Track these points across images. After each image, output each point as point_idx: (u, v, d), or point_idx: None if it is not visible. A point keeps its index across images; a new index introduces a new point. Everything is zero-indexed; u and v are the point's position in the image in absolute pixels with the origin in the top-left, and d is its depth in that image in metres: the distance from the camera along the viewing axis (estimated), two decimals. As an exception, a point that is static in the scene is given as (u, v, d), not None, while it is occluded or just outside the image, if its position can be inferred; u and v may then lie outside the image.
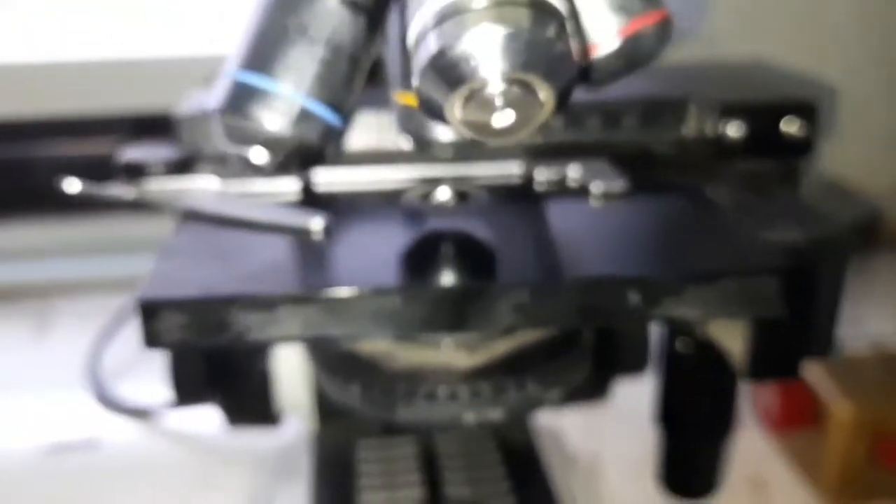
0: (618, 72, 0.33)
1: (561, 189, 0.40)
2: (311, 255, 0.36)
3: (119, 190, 0.41)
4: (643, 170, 0.41)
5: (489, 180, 0.41)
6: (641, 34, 0.32)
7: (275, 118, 0.31)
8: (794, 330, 0.36)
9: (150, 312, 0.32)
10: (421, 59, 0.26)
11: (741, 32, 0.79)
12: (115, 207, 0.42)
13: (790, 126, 0.42)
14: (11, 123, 0.80)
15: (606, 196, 0.39)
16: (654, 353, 0.50)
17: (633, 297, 0.32)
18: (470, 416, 0.39)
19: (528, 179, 0.41)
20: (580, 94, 0.37)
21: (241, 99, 0.32)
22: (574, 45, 0.26)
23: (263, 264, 0.34)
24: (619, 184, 0.39)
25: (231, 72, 0.32)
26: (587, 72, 0.32)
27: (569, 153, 0.42)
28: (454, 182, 0.40)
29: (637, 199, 0.39)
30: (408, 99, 0.34)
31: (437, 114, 0.27)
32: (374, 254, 0.35)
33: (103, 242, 0.83)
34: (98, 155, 0.44)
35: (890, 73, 0.83)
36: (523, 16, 0.25)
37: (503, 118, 0.26)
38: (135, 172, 0.41)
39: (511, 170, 0.42)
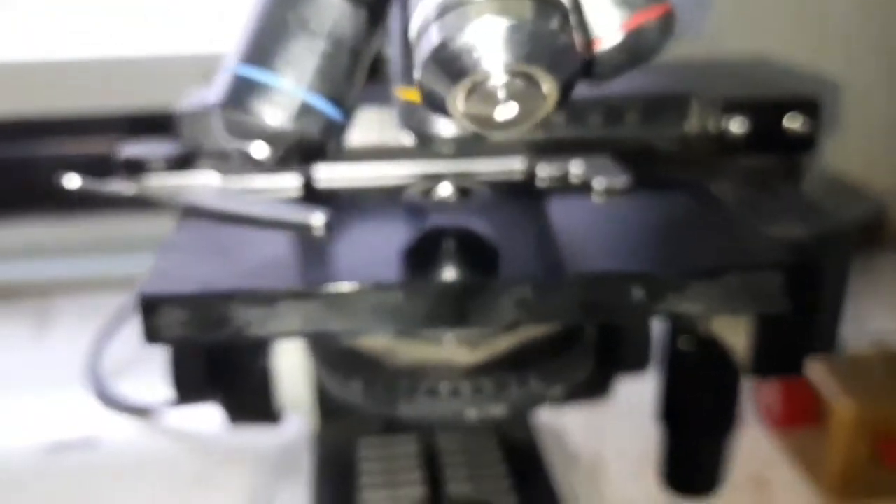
0: (621, 66, 0.32)
1: (563, 185, 0.40)
2: (312, 250, 0.36)
3: (119, 186, 0.41)
4: (645, 166, 0.41)
5: (491, 176, 0.41)
6: (644, 28, 0.31)
7: (275, 112, 0.31)
8: (798, 326, 0.35)
9: (151, 308, 0.31)
10: (423, 51, 0.26)
11: (742, 29, 0.79)
12: (115, 205, 0.42)
13: (793, 122, 0.42)
14: (11, 122, 0.80)
15: (609, 192, 0.39)
16: (656, 351, 0.50)
17: (637, 293, 0.32)
18: (472, 413, 0.38)
19: (531, 175, 0.41)
20: (582, 90, 0.37)
21: (242, 93, 0.32)
22: (577, 38, 0.26)
23: (264, 260, 0.34)
24: (621, 180, 0.39)
25: (231, 66, 0.32)
26: (590, 66, 0.32)
27: (571, 149, 0.42)
28: (456, 178, 0.40)
29: (640, 195, 0.39)
30: (409, 94, 0.34)
31: (440, 107, 0.27)
32: (376, 250, 0.35)
33: (103, 241, 0.83)
34: (98, 153, 0.43)
35: (891, 67, 0.83)
36: (526, 7, 0.25)
37: (506, 111, 0.26)
38: (135, 168, 0.41)
39: (513, 166, 0.42)
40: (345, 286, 0.32)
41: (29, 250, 0.84)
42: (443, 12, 0.25)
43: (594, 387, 0.52)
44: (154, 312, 0.31)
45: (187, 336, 0.32)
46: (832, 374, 0.55)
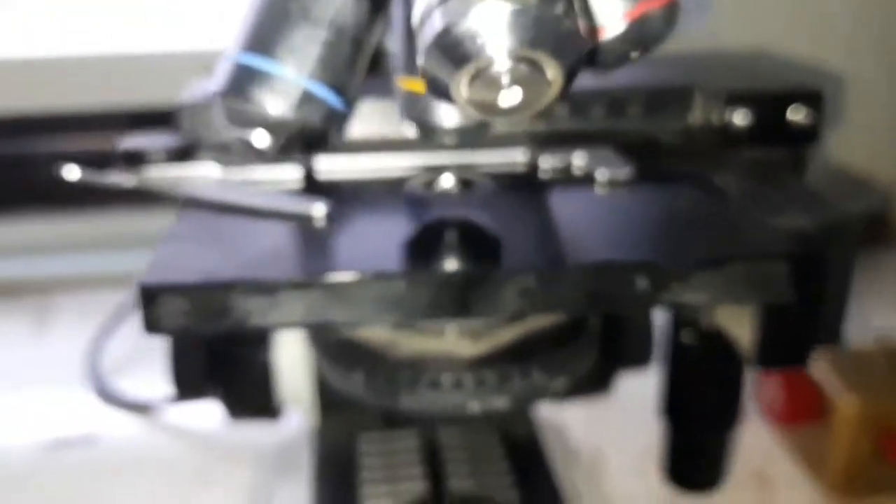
0: (625, 55, 0.32)
1: (566, 177, 0.40)
2: (314, 241, 0.35)
3: (119, 177, 0.41)
4: (649, 159, 0.40)
5: (494, 168, 0.41)
6: (648, 17, 0.31)
7: (277, 101, 0.31)
8: (803, 318, 0.35)
9: (151, 297, 0.31)
10: (426, 37, 0.26)
11: (743, 23, 0.78)
12: (115, 200, 0.42)
13: (796, 114, 0.42)
14: (11, 119, 0.80)
15: (612, 183, 0.39)
16: (659, 346, 0.50)
17: (641, 283, 0.31)
18: (475, 405, 0.38)
19: (533, 167, 0.41)
20: (586, 82, 0.37)
21: (243, 81, 0.31)
22: (582, 24, 0.26)
23: (265, 250, 0.34)
24: (624, 171, 0.39)
25: (233, 54, 0.32)
26: (593, 55, 0.32)
27: (573, 142, 0.41)
28: (458, 170, 0.40)
29: (643, 186, 0.39)
30: (411, 84, 0.34)
31: (443, 93, 0.27)
32: (377, 241, 0.35)
33: (103, 238, 0.83)
34: (98, 150, 0.43)
35: (892, 60, 0.83)
36: None
37: (510, 97, 0.26)
38: (135, 160, 0.41)
39: (516, 158, 0.42)
40: (346, 276, 0.32)
41: (28, 247, 0.84)
42: (446, -3, 0.25)
43: (596, 382, 0.52)
44: (154, 302, 0.31)
45: (188, 326, 0.31)
46: (835, 370, 0.55)
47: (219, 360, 0.49)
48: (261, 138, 0.32)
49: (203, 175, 0.41)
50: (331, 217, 0.36)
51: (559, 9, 0.25)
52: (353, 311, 0.32)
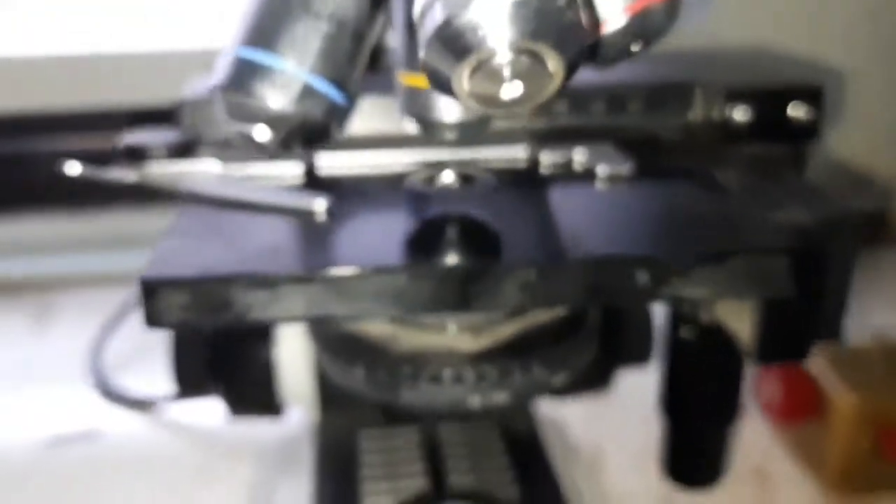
0: (626, 50, 0.32)
1: (567, 172, 0.40)
2: (314, 236, 0.35)
3: (120, 173, 0.41)
4: (649, 155, 0.40)
5: (494, 164, 0.41)
6: (650, 10, 0.31)
7: (277, 95, 0.31)
8: (803, 312, 0.35)
9: (151, 291, 0.31)
10: (427, 29, 0.26)
11: (743, 20, 0.79)
12: (117, 197, 0.42)
13: (796, 110, 0.42)
14: (12, 117, 0.80)
15: (613, 179, 0.39)
16: (658, 344, 0.50)
17: (642, 277, 0.31)
18: (475, 400, 0.38)
19: (534, 163, 0.41)
20: (586, 77, 0.37)
21: (244, 75, 0.31)
22: (584, 16, 0.26)
23: (266, 245, 0.34)
24: (625, 167, 0.39)
25: (233, 48, 0.32)
26: (594, 49, 0.32)
27: (574, 138, 0.41)
28: (459, 166, 0.40)
29: (643, 181, 0.39)
30: (412, 80, 0.34)
31: (445, 87, 0.26)
32: (378, 236, 0.35)
33: (104, 237, 0.83)
34: (99, 149, 0.43)
35: (891, 56, 0.83)
36: None
37: (511, 90, 0.26)
38: (136, 156, 0.41)
39: (516, 154, 0.42)
40: (347, 270, 0.32)
41: (30, 246, 0.84)
42: (447, -11, 0.25)
43: (595, 379, 0.52)
44: (155, 296, 0.31)
45: (188, 320, 0.31)
46: (833, 368, 0.55)
47: (220, 358, 0.49)
48: (262, 132, 0.32)
49: (204, 171, 0.41)
50: (331, 212, 0.36)
51: (561, 0, 0.25)
52: (354, 305, 0.32)
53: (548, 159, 0.41)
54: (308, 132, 0.32)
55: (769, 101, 0.42)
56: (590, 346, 0.42)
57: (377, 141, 0.42)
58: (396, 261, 0.33)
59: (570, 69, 0.26)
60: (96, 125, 0.79)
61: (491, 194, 0.38)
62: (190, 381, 0.49)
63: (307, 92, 0.31)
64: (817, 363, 0.56)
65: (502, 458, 0.50)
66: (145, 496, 0.56)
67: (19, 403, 0.66)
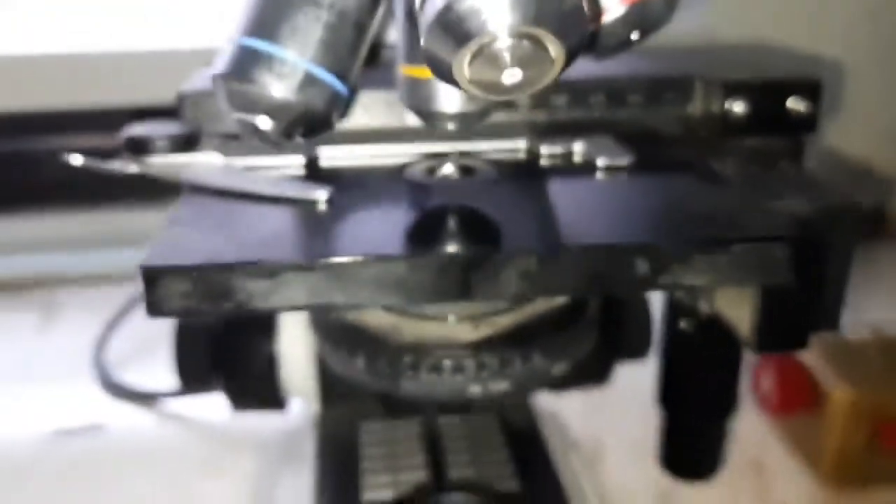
0: (625, 40, 0.32)
1: (567, 164, 0.40)
2: (316, 225, 0.35)
3: (122, 165, 0.41)
4: (649, 148, 0.41)
5: (494, 156, 0.41)
6: (649, 0, 0.31)
7: (279, 83, 0.31)
8: (802, 302, 0.35)
9: (153, 279, 0.31)
10: (427, 15, 0.26)
11: (741, 14, 0.79)
12: (119, 193, 0.42)
13: (795, 104, 0.42)
14: (14, 116, 0.80)
15: (612, 170, 0.39)
16: (657, 337, 0.50)
17: (641, 265, 0.31)
18: (475, 389, 0.38)
19: (534, 156, 0.41)
20: (585, 70, 0.37)
21: (246, 64, 0.32)
22: (585, 2, 0.26)
23: (267, 233, 0.34)
24: (625, 158, 0.39)
25: (235, 37, 0.32)
26: (594, 39, 0.32)
27: (574, 131, 0.41)
28: (459, 157, 0.40)
29: (643, 172, 0.39)
30: (413, 71, 0.34)
31: (446, 73, 0.27)
32: (379, 225, 0.35)
33: (108, 235, 0.83)
34: (100, 147, 0.43)
35: (889, 50, 0.83)
36: None
37: (512, 76, 0.26)
38: (138, 148, 0.41)
39: (516, 146, 0.42)
40: (348, 258, 0.32)
41: (34, 244, 0.84)
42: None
43: (595, 373, 0.53)
44: (156, 284, 0.31)
45: (190, 308, 0.31)
46: (829, 361, 0.56)
47: (223, 353, 0.49)
48: (264, 121, 0.32)
49: (206, 163, 0.41)
50: (333, 202, 0.36)
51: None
52: (356, 293, 0.32)
53: (548, 151, 0.41)
54: (309, 121, 0.33)
55: (768, 94, 0.42)
56: (590, 335, 0.42)
57: (378, 134, 0.42)
58: (398, 250, 0.33)
59: (571, 55, 0.26)
60: (97, 124, 0.79)
61: (491, 185, 0.38)
62: (193, 376, 0.50)
63: (309, 81, 0.32)
64: (814, 356, 0.56)
65: (502, 451, 0.50)
66: (149, 489, 0.57)
67: (25, 398, 0.66)
